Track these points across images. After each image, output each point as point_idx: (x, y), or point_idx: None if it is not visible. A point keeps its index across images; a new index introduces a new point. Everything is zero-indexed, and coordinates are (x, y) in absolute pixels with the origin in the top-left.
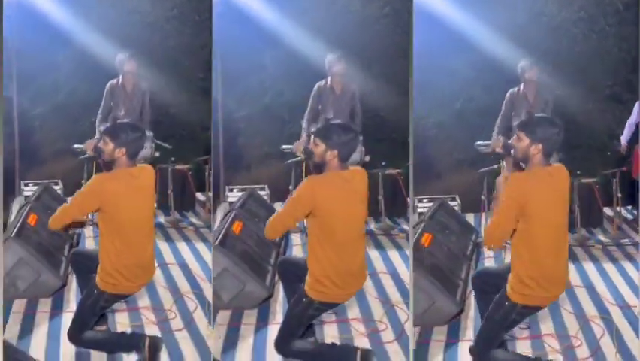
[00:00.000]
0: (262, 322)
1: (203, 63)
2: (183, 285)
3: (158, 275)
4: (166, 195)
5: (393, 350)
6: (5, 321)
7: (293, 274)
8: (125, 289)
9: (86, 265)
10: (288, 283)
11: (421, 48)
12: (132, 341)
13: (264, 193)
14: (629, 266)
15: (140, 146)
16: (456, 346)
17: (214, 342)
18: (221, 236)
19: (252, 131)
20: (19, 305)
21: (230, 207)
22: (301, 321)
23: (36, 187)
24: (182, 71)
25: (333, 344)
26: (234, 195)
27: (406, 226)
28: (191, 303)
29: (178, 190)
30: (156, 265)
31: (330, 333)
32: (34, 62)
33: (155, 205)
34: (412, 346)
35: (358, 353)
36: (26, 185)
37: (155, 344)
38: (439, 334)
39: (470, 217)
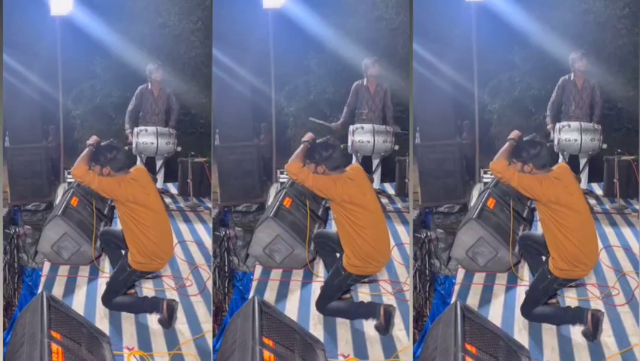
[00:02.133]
0: (307, 279)
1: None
2: (199, 258)
3: (179, 251)
4: (186, 184)
5: (625, 311)
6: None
7: (326, 245)
8: (152, 268)
9: (113, 243)
10: (323, 252)
11: (481, 43)
12: (153, 303)
13: None
14: None
15: (118, 160)
16: (514, 289)
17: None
18: (275, 209)
19: (300, 124)
20: (63, 271)
21: (281, 186)
22: (339, 289)
23: None
24: (203, 77)
25: (362, 302)
26: (284, 177)
27: (637, 206)
28: (205, 273)
29: (197, 179)
30: (176, 241)
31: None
32: (76, 70)
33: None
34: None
35: (382, 308)
36: (69, 173)
37: (171, 306)
38: (502, 278)
39: None
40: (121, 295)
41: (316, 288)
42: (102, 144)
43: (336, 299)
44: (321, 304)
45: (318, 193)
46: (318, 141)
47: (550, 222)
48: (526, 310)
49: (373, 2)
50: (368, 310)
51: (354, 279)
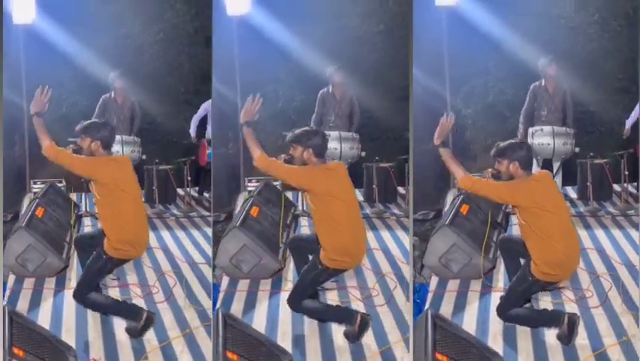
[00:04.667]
0: (275, 289)
1: (187, 79)
2: (165, 265)
3: (144, 257)
4: (151, 191)
5: (599, 313)
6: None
7: (303, 248)
8: (129, 255)
9: (89, 245)
10: (298, 257)
11: (454, 51)
12: (131, 310)
13: (277, 183)
14: (633, 232)
15: (111, 138)
16: (489, 295)
17: (189, 312)
18: (241, 218)
19: (269, 131)
20: (28, 283)
21: (249, 195)
22: (314, 284)
23: (43, 185)
24: (166, 87)
25: (338, 306)
26: (252, 185)
27: (610, 209)
28: (171, 280)
29: (162, 186)
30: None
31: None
32: (42, 79)
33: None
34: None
35: (359, 316)
36: (35, 183)
37: (149, 318)
38: (476, 285)
39: None
40: (94, 292)
41: (284, 298)
42: (95, 120)
43: (307, 296)
44: (293, 301)
45: (293, 183)
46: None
47: (534, 227)
48: (502, 311)
49: (339, 10)
50: (344, 315)
51: (330, 274)
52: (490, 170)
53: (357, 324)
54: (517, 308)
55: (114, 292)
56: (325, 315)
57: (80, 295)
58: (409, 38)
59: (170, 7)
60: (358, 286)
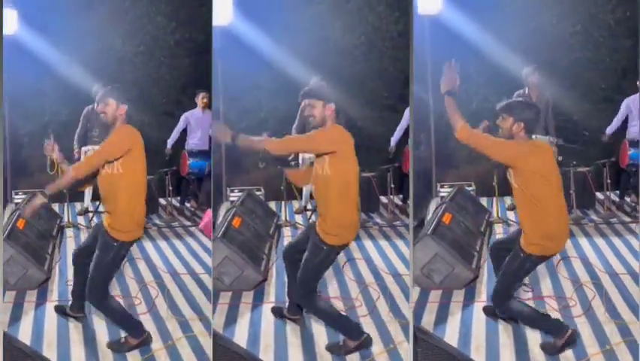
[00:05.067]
0: (258, 301)
1: (168, 91)
2: (147, 276)
3: (127, 267)
4: None
5: (582, 322)
6: None
7: (296, 255)
8: (137, 235)
9: (86, 263)
10: (291, 267)
11: (437, 58)
12: (137, 327)
13: (260, 193)
14: (616, 240)
15: (536, 122)
16: (472, 306)
17: (171, 322)
18: (223, 229)
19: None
20: (9, 297)
21: (231, 205)
22: (322, 269)
23: (25, 195)
24: (149, 98)
25: (347, 316)
26: (235, 195)
27: (593, 216)
28: (154, 291)
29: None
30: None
31: None
32: (23, 89)
33: None
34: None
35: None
36: (16, 194)
37: (147, 339)
38: (458, 296)
39: (484, 200)
40: (109, 295)
41: (267, 310)
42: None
43: (515, 290)
44: (500, 299)
45: (500, 157)
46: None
47: (528, 193)
48: (499, 299)
49: (322, 23)
50: (351, 326)
51: (337, 252)
52: (485, 123)
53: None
54: (520, 304)
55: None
56: (334, 322)
57: (96, 295)
58: (409, 45)
59: (150, 21)
60: (555, 296)
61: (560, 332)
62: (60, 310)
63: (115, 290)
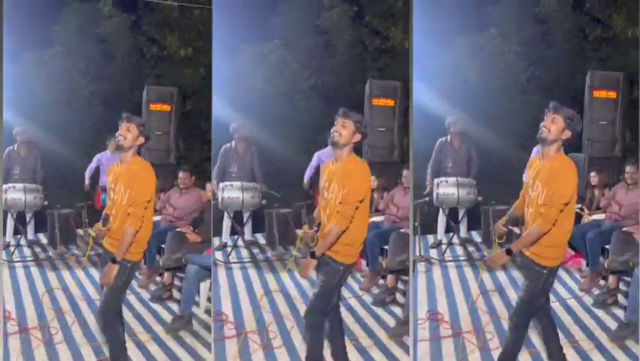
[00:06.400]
0: None
1: (86, 135)
2: (65, 305)
3: (47, 300)
4: (54, 234)
5: None
6: None
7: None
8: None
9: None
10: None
11: None
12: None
13: None
14: None
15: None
16: None
17: (86, 349)
18: None
19: None
20: None
21: None
22: (338, 288)
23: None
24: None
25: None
26: None
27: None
28: (70, 319)
29: (64, 229)
30: (43, 290)
31: None
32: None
33: None
34: None
35: None
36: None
37: None
38: None
39: None
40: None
41: None
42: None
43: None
44: (319, 316)
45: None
46: None
47: None
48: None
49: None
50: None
51: (350, 271)
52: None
53: None
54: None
55: (14, 339)
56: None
57: (109, 312)
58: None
59: (67, 73)
60: (474, 330)
61: None
62: None
63: (32, 322)
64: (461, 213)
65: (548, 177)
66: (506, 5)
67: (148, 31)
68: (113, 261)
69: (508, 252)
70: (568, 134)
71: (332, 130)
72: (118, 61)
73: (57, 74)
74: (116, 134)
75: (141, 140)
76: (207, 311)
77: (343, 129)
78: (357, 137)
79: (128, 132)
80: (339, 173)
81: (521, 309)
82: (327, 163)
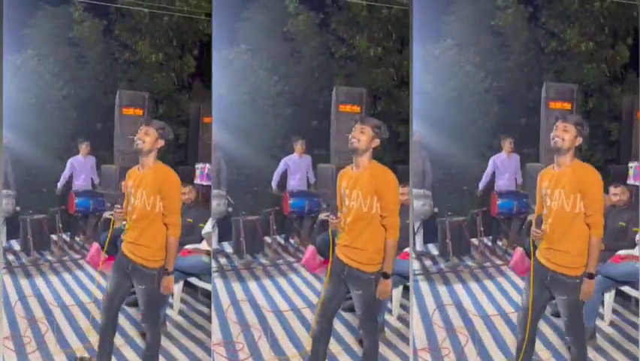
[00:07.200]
0: None
1: (59, 139)
2: (38, 312)
3: (19, 308)
4: (26, 240)
5: None
6: None
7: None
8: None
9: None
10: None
11: None
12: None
13: None
14: (489, 283)
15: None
16: None
17: (59, 357)
18: None
19: None
20: None
21: None
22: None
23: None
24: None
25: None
26: None
27: (469, 262)
28: (43, 327)
29: (37, 235)
30: (17, 298)
31: None
32: None
33: None
34: None
35: None
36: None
37: None
38: None
39: None
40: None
41: None
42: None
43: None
44: (375, 324)
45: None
46: None
47: (581, 215)
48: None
49: None
50: None
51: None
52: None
53: None
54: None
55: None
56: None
57: (156, 317)
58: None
59: (40, 77)
60: (429, 348)
61: None
62: None
63: (5, 331)
64: (417, 225)
65: (581, 185)
66: (462, 16)
67: (120, 36)
68: (168, 273)
69: (590, 276)
70: (580, 140)
71: (350, 136)
72: (91, 65)
73: (29, 77)
74: (135, 137)
75: (161, 142)
76: (180, 313)
77: (362, 135)
78: (377, 142)
79: (146, 135)
80: (372, 182)
81: (571, 325)
82: (346, 169)
